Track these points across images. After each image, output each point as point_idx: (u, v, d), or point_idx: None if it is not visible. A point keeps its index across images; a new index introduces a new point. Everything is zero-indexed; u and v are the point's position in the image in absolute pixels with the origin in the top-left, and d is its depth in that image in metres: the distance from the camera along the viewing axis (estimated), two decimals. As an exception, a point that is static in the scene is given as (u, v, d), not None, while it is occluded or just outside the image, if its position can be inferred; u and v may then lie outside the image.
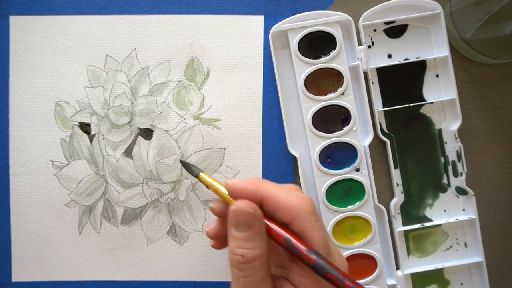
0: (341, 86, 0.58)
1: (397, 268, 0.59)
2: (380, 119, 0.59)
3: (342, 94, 0.58)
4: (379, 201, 0.58)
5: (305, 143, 0.59)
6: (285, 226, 0.42)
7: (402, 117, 0.59)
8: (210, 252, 0.61)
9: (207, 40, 0.60)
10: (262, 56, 0.60)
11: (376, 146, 0.60)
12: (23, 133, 0.60)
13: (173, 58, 0.60)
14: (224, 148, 0.60)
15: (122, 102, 0.60)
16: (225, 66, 0.60)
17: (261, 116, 0.60)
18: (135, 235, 0.60)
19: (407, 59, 0.58)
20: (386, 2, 0.57)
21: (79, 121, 0.60)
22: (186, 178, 0.60)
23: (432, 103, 0.58)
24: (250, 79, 0.60)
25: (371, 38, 0.59)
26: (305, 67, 0.58)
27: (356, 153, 0.58)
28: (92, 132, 0.60)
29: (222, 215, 0.45)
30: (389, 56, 0.59)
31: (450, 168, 0.59)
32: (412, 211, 0.60)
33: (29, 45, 0.60)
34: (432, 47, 0.59)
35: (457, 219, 0.59)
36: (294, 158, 0.59)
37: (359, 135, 0.58)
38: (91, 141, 0.60)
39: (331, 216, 0.58)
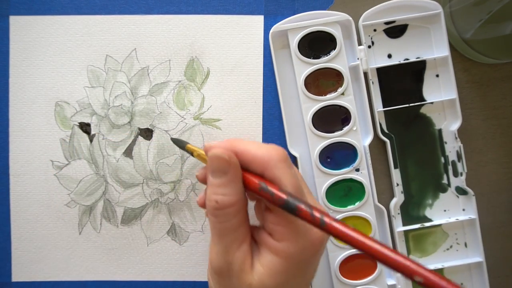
0: (341, 86, 0.58)
1: (397, 268, 0.59)
2: (380, 119, 0.59)
3: (342, 94, 0.58)
4: (379, 201, 0.58)
5: (305, 143, 0.59)
6: (260, 176, 0.43)
7: (402, 117, 0.59)
8: (210, 252, 0.61)
9: (207, 40, 0.60)
10: (262, 56, 0.60)
11: (376, 146, 0.60)
12: (23, 133, 0.60)
13: (173, 58, 0.60)
14: (224, 148, 0.60)
15: (122, 102, 0.60)
16: (225, 66, 0.60)
17: (261, 116, 0.60)
18: (135, 235, 0.60)
19: (407, 59, 0.58)
20: (386, 2, 0.57)
21: (79, 121, 0.60)
22: (186, 178, 0.60)
23: (432, 103, 0.58)
24: (250, 79, 0.60)
25: (371, 38, 0.59)
26: (305, 67, 0.58)
27: (356, 153, 0.58)
28: (92, 132, 0.60)
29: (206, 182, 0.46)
30: (389, 56, 0.59)
31: (450, 168, 0.59)
32: (412, 211, 0.60)
33: (29, 45, 0.59)
34: (432, 47, 0.58)
35: (457, 219, 0.59)
36: (294, 158, 0.59)
37: (359, 135, 0.58)
38: (91, 141, 0.60)
39: (331, 216, 0.58)
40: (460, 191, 0.59)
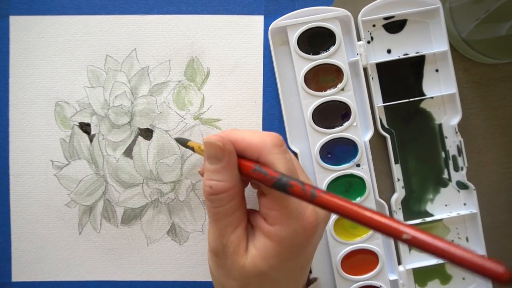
0: (340, 81, 0.58)
1: (399, 263, 0.59)
2: (380, 114, 0.59)
3: (342, 89, 0.58)
4: (380, 197, 0.58)
5: (306, 139, 0.59)
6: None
7: (402, 112, 0.59)
8: (210, 252, 0.60)
9: (207, 40, 0.60)
10: (262, 56, 0.60)
11: (377, 141, 0.60)
12: (23, 133, 0.60)
13: (173, 58, 0.60)
14: (225, 148, 0.60)
15: (122, 102, 0.60)
16: (225, 66, 0.60)
17: (261, 116, 0.60)
18: (135, 235, 0.60)
19: (407, 54, 0.58)
20: (385, -3, 0.58)
21: (79, 121, 0.60)
22: (186, 178, 0.60)
23: (432, 97, 0.58)
24: (250, 79, 0.60)
25: (370, 34, 0.59)
26: (304, 63, 0.58)
27: (356, 149, 0.58)
28: (92, 132, 0.60)
29: None
30: (389, 51, 0.59)
31: (450, 162, 0.59)
32: (413, 206, 0.60)
33: (29, 45, 0.60)
34: (432, 42, 0.59)
35: (458, 213, 0.59)
36: (294, 154, 0.58)
37: (359, 130, 0.58)
38: (91, 141, 0.60)
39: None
40: (461, 185, 0.59)
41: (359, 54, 0.57)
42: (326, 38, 0.58)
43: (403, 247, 0.59)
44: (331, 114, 0.58)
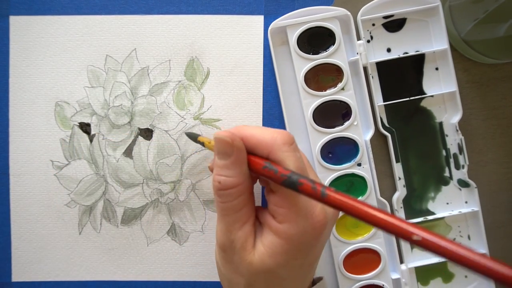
0: (341, 81, 0.58)
1: (401, 262, 0.59)
2: (381, 113, 0.59)
3: (342, 89, 0.58)
4: (381, 195, 0.58)
5: (306, 139, 0.59)
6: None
7: (402, 111, 0.59)
8: (210, 252, 0.60)
9: (207, 40, 0.60)
10: (262, 56, 0.60)
11: (377, 140, 0.60)
12: (23, 133, 0.60)
13: (173, 58, 0.60)
14: (225, 148, 0.60)
15: (122, 102, 0.59)
16: (225, 66, 0.60)
17: (261, 116, 0.60)
18: (135, 235, 0.60)
19: (406, 53, 0.58)
20: (384, -4, 0.58)
21: (79, 121, 0.60)
22: (186, 178, 0.60)
23: (432, 96, 0.58)
24: (250, 79, 0.60)
25: (370, 33, 0.59)
26: (304, 63, 0.58)
27: (357, 148, 0.58)
28: (92, 132, 0.60)
29: None
30: (388, 50, 0.59)
31: (451, 161, 0.59)
32: (414, 204, 0.60)
33: (29, 45, 0.60)
34: (431, 40, 0.59)
35: (460, 211, 0.59)
36: (295, 154, 0.58)
37: (360, 129, 0.58)
38: (91, 141, 0.60)
39: (333, 211, 0.58)
40: (462, 183, 0.59)
41: (359, 53, 0.57)
42: (325, 37, 0.58)
43: (405, 246, 0.59)
44: (331, 113, 0.58)
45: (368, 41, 0.59)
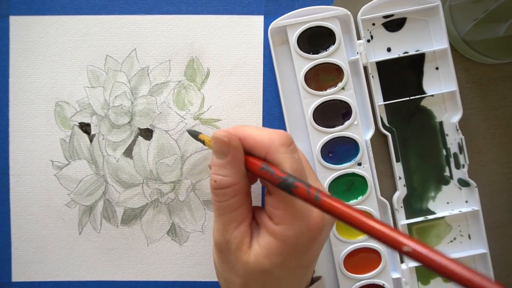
0: (341, 80, 0.58)
1: (402, 261, 0.59)
2: (381, 113, 0.59)
3: (343, 88, 0.58)
4: (381, 195, 0.58)
5: (307, 139, 0.59)
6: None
7: (403, 110, 0.59)
8: (210, 252, 0.60)
9: (207, 40, 0.60)
10: (262, 56, 0.60)
11: (378, 140, 0.60)
12: (23, 133, 0.60)
13: (173, 58, 0.60)
14: (225, 148, 0.60)
15: (122, 102, 0.59)
16: (225, 66, 0.60)
17: (261, 116, 0.60)
18: (135, 235, 0.60)
19: (407, 52, 0.58)
20: (384, -4, 0.58)
21: (79, 121, 0.60)
22: (186, 178, 0.60)
23: (432, 95, 0.58)
24: (250, 79, 0.60)
25: (370, 32, 0.59)
26: (304, 62, 0.58)
27: (357, 148, 0.58)
28: (92, 132, 0.60)
29: None
30: (389, 49, 0.59)
31: (452, 160, 0.59)
32: (415, 204, 0.60)
33: (29, 45, 0.60)
34: (431, 40, 0.59)
35: (460, 211, 0.59)
36: (295, 154, 0.58)
37: (360, 129, 0.58)
38: (91, 141, 0.60)
39: (333, 211, 0.58)
40: (463, 183, 0.59)
41: (359, 53, 0.57)
42: (326, 37, 0.58)
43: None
44: (331, 113, 0.58)
45: (368, 41, 0.59)
